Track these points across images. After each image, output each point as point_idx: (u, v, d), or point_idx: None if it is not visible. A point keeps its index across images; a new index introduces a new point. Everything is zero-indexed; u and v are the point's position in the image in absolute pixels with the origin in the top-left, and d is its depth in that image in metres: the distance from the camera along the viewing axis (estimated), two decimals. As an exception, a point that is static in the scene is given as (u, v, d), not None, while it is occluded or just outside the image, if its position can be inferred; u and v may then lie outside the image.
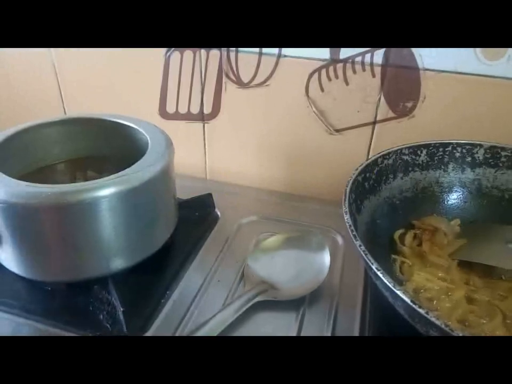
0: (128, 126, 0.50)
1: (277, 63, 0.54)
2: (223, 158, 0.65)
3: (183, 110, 0.62)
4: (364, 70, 0.52)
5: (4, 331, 0.40)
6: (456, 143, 0.48)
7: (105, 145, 0.53)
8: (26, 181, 0.38)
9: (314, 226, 0.54)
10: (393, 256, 0.45)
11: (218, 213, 0.57)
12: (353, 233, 0.36)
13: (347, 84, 0.53)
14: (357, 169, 0.44)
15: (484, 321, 0.38)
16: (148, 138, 0.46)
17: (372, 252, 0.35)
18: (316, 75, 0.54)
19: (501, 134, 0.50)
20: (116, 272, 0.42)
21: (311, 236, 0.49)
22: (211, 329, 0.38)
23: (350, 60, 0.52)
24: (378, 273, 0.33)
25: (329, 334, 0.40)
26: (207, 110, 0.61)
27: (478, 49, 0.47)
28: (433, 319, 0.29)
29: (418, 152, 0.48)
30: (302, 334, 0.40)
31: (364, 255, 0.35)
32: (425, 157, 0.48)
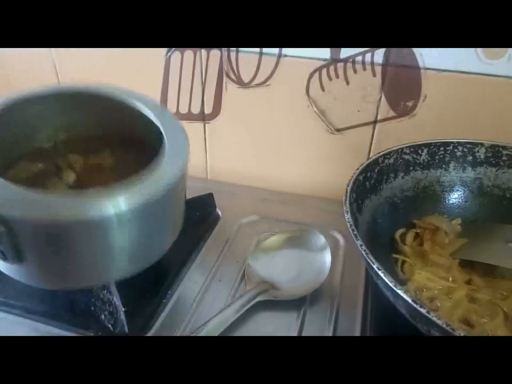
0: (136, 109, 0.43)
1: (277, 63, 0.54)
2: (224, 157, 0.65)
3: (183, 110, 0.62)
4: (364, 69, 0.52)
5: (4, 331, 0.40)
6: (457, 142, 0.48)
7: (102, 125, 0.47)
8: (10, 171, 0.37)
9: (315, 226, 0.54)
10: (394, 255, 0.45)
11: (219, 213, 0.57)
12: (354, 232, 0.36)
13: (348, 83, 0.53)
14: (357, 168, 0.44)
15: (485, 321, 0.38)
16: (163, 133, 0.40)
17: (373, 251, 0.35)
18: (317, 75, 0.54)
19: (502, 132, 0.50)
20: (121, 279, 0.40)
21: (312, 236, 0.49)
22: (212, 329, 0.38)
23: (351, 60, 0.52)
24: (380, 272, 0.33)
25: (330, 334, 0.40)
26: (208, 110, 0.61)
27: (478, 49, 0.47)
28: (434, 319, 0.29)
29: (419, 151, 0.48)
30: (303, 334, 0.40)
31: (365, 254, 0.35)
32: (426, 156, 0.48)
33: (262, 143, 0.61)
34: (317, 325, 0.41)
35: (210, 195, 0.57)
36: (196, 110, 0.62)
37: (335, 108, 0.55)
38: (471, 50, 0.47)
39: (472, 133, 0.49)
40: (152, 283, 0.44)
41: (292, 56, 0.54)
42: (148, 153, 0.40)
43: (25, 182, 0.38)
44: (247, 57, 0.55)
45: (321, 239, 0.48)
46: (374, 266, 0.33)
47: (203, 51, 0.57)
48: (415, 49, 0.49)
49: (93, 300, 0.42)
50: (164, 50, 0.58)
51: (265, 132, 0.60)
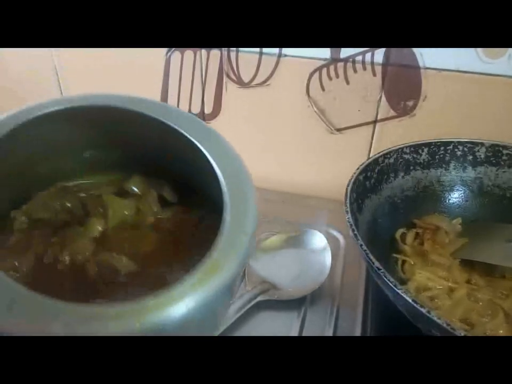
0: (180, 133, 0.33)
1: (277, 63, 0.54)
2: (224, 157, 0.65)
3: (184, 110, 0.62)
4: (364, 69, 0.52)
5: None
6: (458, 142, 0.48)
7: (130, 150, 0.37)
8: (25, 207, 0.31)
9: (315, 226, 0.54)
10: (394, 255, 0.45)
11: (220, 213, 0.57)
12: (355, 232, 0.36)
13: (348, 83, 0.53)
14: (358, 168, 0.44)
15: (486, 320, 0.38)
16: (219, 174, 0.31)
17: (373, 251, 0.35)
18: (317, 74, 0.54)
19: (502, 132, 0.50)
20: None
21: (312, 236, 0.49)
22: (212, 329, 0.37)
23: (351, 59, 0.52)
24: (380, 272, 0.33)
25: (330, 334, 0.40)
26: (208, 110, 0.61)
27: (479, 48, 0.47)
28: (435, 318, 0.29)
29: (420, 151, 0.48)
30: (304, 334, 0.40)
31: (365, 254, 0.35)
32: (427, 155, 0.48)
33: (262, 143, 0.61)
34: (317, 325, 0.41)
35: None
36: (196, 110, 0.62)
37: (335, 108, 0.55)
38: (471, 49, 0.47)
39: (473, 132, 0.49)
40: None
41: (292, 56, 0.54)
42: (200, 201, 0.34)
43: (40, 226, 0.33)
44: (247, 57, 0.55)
45: (321, 239, 0.48)
46: (375, 266, 0.33)
47: (203, 51, 0.57)
48: (415, 49, 0.49)
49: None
50: (164, 50, 0.58)
51: (265, 132, 0.60)
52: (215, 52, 0.56)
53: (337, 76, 0.53)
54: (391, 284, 0.32)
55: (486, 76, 0.48)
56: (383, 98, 0.53)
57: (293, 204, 0.60)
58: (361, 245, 0.35)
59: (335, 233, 0.54)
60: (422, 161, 0.48)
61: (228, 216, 0.29)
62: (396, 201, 0.48)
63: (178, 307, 0.23)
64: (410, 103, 0.52)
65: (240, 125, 0.61)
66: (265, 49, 0.54)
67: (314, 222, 0.55)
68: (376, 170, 0.45)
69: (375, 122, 0.55)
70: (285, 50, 0.53)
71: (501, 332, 0.37)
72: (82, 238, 0.33)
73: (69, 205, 0.35)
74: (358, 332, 0.41)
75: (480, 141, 0.48)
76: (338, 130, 0.57)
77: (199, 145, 0.34)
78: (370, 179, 0.45)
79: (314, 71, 0.54)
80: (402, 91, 0.52)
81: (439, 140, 0.48)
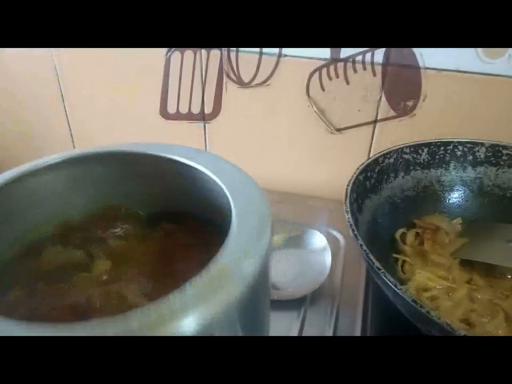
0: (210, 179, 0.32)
1: (277, 63, 0.54)
2: (224, 157, 0.65)
3: (184, 110, 0.62)
4: (364, 69, 0.52)
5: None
6: (457, 142, 0.48)
7: (150, 193, 0.36)
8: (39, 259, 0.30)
9: (315, 226, 0.54)
10: (394, 255, 0.45)
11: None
12: (355, 232, 0.36)
13: (348, 83, 0.53)
14: (358, 168, 0.44)
15: (486, 320, 0.38)
16: (231, 202, 0.28)
17: (373, 251, 0.35)
18: (317, 74, 0.54)
19: (502, 132, 0.50)
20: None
21: (312, 236, 0.49)
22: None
23: (351, 59, 0.52)
24: (380, 272, 0.33)
25: (330, 334, 0.40)
26: (208, 110, 0.61)
27: (479, 48, 0.47)
28: (434, 319, 0.29)
29: (420, 151, 0.48)
30: (304, 334, 0.40)
31: (365, 254, 0.35)
32: (427, 155, 0.48)
33: (262, 143, 0.61)
34: (317, 325, 0.41)
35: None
36: (196, 110, 0.62)
37: (335, 108, 0.55)
38: (471, 49, 0.47)
39: (472, 132, 0.49)
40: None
41: (292, 56, 0.54)
42: (209, 233, 0.33)
43: (50, 276, 0.32)
44: (247, 57, 0.55)
45: (321, 239, 0.48)
46: (374, 266, 0.33)
47: (203, 51, 0.57)
48: (415, 49, 0.49)
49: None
50: (164, 50, 0.58)
51: (265, 132, 0.60)
52: (215, 52, 0.56)
53: (337, 76, 0.53)
54: (391, 284, 0.32)
55: (486, 76, 0.48)
56: (383, 98, 0.53)
57: (293, 204, 0.60)
58: (361, 245, 0.35)
59: (335, 233, 0.54)
60: (422, 161, 0.48)
61: (236, 223, 0.26)
62: (396, 201, 0.48)
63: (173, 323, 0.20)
64: (410, 103, 0.52)
65: (240, 125, 0.61)
66: (265, 49, 0.54)
67: (314, 222, 0.55)
68: (376, 170, 0.45)
69: (375, 122, 0.55)
70: (285, 50, 0.53)
71: (501, 332, 0.37)
72: (88, 282, 0.32)
73: (74, 256, 0.34)
74: (358, 332, 0.41)
75: (480, 141, 0.48)
76: (338, 130, 0.57)
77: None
78: (370, 179, 0.45)
79: (314, 71, 0.54)
80: (402, 91, 0.52)
81: (439, 140, 0.48)
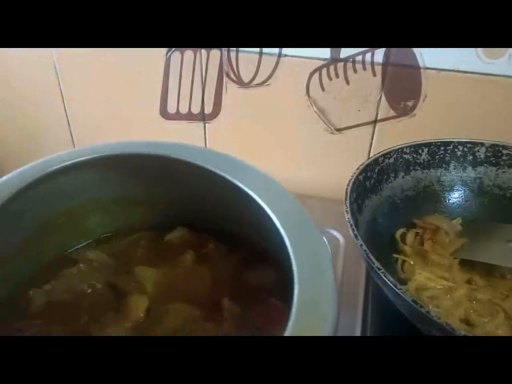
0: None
1: (277, 63, 0.54)
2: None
3: (184, 110, 0.62)
4: (364, 69, 0.52)
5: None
6: (458, 142, 0.48)
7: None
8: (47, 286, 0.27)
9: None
10: (394, 255, 0.45)
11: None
12: (355, 232, 0.36)
13: (348, 83, 0.53)
14: (358, 168, 0.43)
15: (486, 320, 0.38)
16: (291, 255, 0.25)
17: (373, 251, 0.35)
18: (317, 74, 0.54)
19: (502, 132, 0.50)
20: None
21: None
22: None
23: (351, 59, 0.52)
24: (380, 272, 0.33)
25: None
26: (208, 110, 0.61)
27: (479, 48, 0.47)
28: (434, 319, 0.29)
29: (420, 151, 0.48)
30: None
31: (365, 254, 0.35)
32: (427, 155, 0.48)
33: (262, 143, 0.61)
34: (317, 325, 0.41)
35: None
36: (196, 110, 0.62)
37: (335, 108, 0.55)
38: (471, 49, 0.47)
39: (472, 132, 0.49)
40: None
41: (292, 56, 0.54)
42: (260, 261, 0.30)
43: (62, 310, 0.29)
44: (247, 57, 0.55)
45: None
46: (374, 266, 0.33)
47: (203, 51, 0.57)
48: (415, 49, 0.49)
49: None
50: (164, 50, 0.58)
51: (265, 132, 0.60)
52: (215, 52, 0.56)
53: (337, 76, 0.53)
54: (391, 284, 0.32)
55: (486, 76, 0.48)
56: (383, 98, 0.53)
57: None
58: (361, 245, 0.35)
59: (335, 233, 0.54)
60: (422, 161, 0.48)
61: (297, 267, 0.24)
62: (396, 201, 0.48)
63: None
64: (410, 103, 0.52)
65: (240, 125, 0.61)
66: (265, 49, 0.54)
67: (314, 222, 0.55)
68: (376, 170, 0.45)
69: (375, 122, 0.55)
70: (285, 50, 0.53)
71: (501, 332, 0.37)
72: (121, 326, 0.28)
73: (98, 285, 0.30)
74: (358, 332, 0.41)
75: (480, 141, 0.48)
76: (338, 130, 0.57)
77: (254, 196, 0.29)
78: (370, 179, 0.45)
79: (314, 71, 0.54)
80: (402, 91, 0.52)
81: (439, 140, 0.48)
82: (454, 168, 0.49)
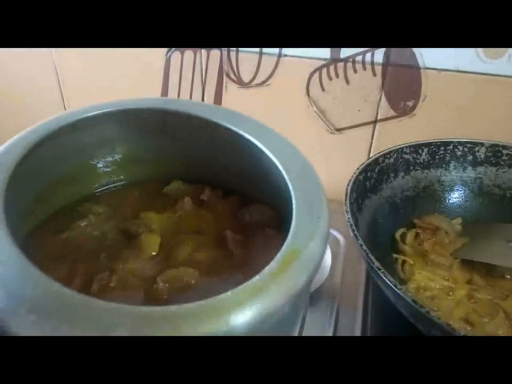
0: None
1: (277, 63, 0.54)
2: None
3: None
4: (364, 69, 0.52)
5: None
6: (458, 142, 0.48)
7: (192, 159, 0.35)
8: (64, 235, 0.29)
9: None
10: (394, 255, 0.45)
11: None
12: (355, 232, 0.36)
13: (348, 83, 0.53)
14: (358, 168, 0.44)
15: (486, 320, 0.38)
16: (293, 196, 0.27)
17: (373, 251, 0.35)
18: (317, 74, 0.54)
19: (502, 132, 0.50)
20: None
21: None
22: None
23: (351, 59, 0.52)
24: (380, 272, 0.33)
25: (330, 334, 0.40)
26: (208, 109, 0.61)
27: (479, 48, 0.47)
28: (434, 319, 0.29)
29: (420, 151, 0.48)
30: (304, 334, 0.40)
31: (365, 254, 0.35)
32: (427, 155, 0.48)
33: (262, 143, 0.61)
34: (318, 325, 0.41)
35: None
36: (196, 110, 0.62)
37: (335, 108, 0.55)
38: (471, 49, 0.47)
39: (472, 132, 0.49)
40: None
41: (292, 56, 0.54)
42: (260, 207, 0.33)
43: (85, 252, 0.31)
44: (247, 57, 0.55)
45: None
46: (375, 266, 0.33)
47: (203, 51, 0.57)
48: (415, 49, 0.49)
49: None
50: (164, 50, 0.58)
51: (265, 131, 0.60)
52: (215, 52, 0.56)
53: (337, 76, 0.53)
54: (391, 284, 0.32)
55: (486, 76, 0.48)
56: (383, 98, 0.53)
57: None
58: (361, 245, 0.35)
59: (335, 233, 0.54)
60: (422, 161, 0.48)
61: (297, 202, 0.26)
62: (396, 201, 0.48)
63: (258, 301, 0.21)
64: (410, 103, 0.52)
65: (240, 125, 0.61)
66: (265, 49, 0.54)
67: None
68: (376, 170, 0.45)
69: (375, 122, 0.55)
70: (285, 50, 0.53)
71: (501, 332, 0.37)
72: (138, 259, 0.31)
73: (110, 232, 0.33)
74: (358, 332, 0.41)
75: (480, 141, 0.48)
76: (338, 130, 0.57)
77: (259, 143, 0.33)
78: (370, 179, 0.45)
79: (314, 71, 0.54)
80: (402, 91, 0.52)
81: (439, 140, 0.48)
82: (454, 168, 0.49)
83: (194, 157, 0.37)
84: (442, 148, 0.48)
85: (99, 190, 0.37)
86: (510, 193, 0.48)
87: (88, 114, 0.32)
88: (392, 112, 0.53)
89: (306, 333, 0.40)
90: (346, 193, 0.40)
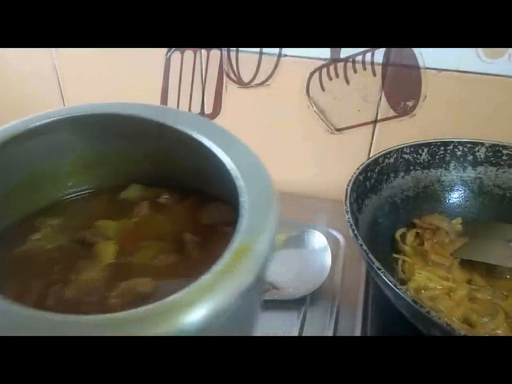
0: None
1: (277, 63, 0.54)
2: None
3: (184, 110, 0.62)
4: (364, 69, 0.52)
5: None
6: (458, 142, 0.48)
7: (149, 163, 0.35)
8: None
9: (315, 226, 0.54)
10: (394, 255, 0.45)
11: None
12: (355, 232, 0.36)
13: (348, 83, 0.53)
14: (358, 168, 0.44)
15: (486, 320, 0.38)
16: (240, 194, 0.27)
17: (373, 251, 0.35)
18: (317, 74, 0.54)
19: (502, 132, 0.50)
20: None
21: (312, 236, 0.49)
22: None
23: (351, 59, 0.52)
24: (380, 272, 0.33)
25: (330, 334, 0.40)
26: (208, 110, 0.61)
27: (479, 48, 0.47)
28: (434, 319, 0.29)
29: (420, 151, 0.48)
30: (304, 334, 0.40)
31: (365, 254, 0.35)
32: (427, 155, 0.48)
33: (262, 143, 0.61)
34: (318, 325, 0.41)
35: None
36: (196, 110, 0.62)
37: (335, 108, 0.55)
38: (471, 49, 0.47)
39: (473, 132, 0.49)
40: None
41: (292, 56, 0.54)
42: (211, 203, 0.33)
43: (40, 266, 0.30)
44: (247, 57, 0.55)
45: (321, 239, 0.48)
46: (375, 266, 0.33)
47: (203, 51, 0.57)
48: (415, 49, 0.49)
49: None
50: (164, 50, 0.58)
51: (265, 132, 0.60)
52: (215, 52, 0.56)
53: (337, 76, 0.53)
54: (391, 284, 0.32)
55: (486, 76, 0.48)
56: (383, 98, 0.53)
57: (293, 203, 0.60)
58: (361, 245, 0.35)
59: (335, 233, 0.54)
60: (422, 161, 0.48)
61: (245, 198, 0.26)
62: (396, 201, 0.48)
63: (209, 298, 0.21)
64: (410, 103, 0.52)
65: (240, 125, 0.61)
66: (265, 49, 0.54)
67: (314, 222, 0.55)
68: (376, 170, 0.45)
69: (375, 122, 0.55)
70: (285, 50, 0.53)
71: (501, 332, 0.37)
72: (94, 269, 0.30)
73: (65, 243, 0.32)
74: (358, 332, 0.41)
75: (480, 141, 0.48)
76: (338, 130, 0.57)
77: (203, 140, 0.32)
78: (370, 179, 0.45)
79: (314, 71, 0.54)
80: (402, 91, 0.52)
81: (439, 140, 0.48)
82: (454, 168, 0.49)
83: (150, 160, 0.36)
84: (442, 148, 0.48)
85: (55, 200, 0.36)
86: (510, 193, 0.48)
87: (36, 124, 0.31)
88: (392, 112, 0.54)
89: (306, 333, 0.40)
90: (346, 193, 0.40)
